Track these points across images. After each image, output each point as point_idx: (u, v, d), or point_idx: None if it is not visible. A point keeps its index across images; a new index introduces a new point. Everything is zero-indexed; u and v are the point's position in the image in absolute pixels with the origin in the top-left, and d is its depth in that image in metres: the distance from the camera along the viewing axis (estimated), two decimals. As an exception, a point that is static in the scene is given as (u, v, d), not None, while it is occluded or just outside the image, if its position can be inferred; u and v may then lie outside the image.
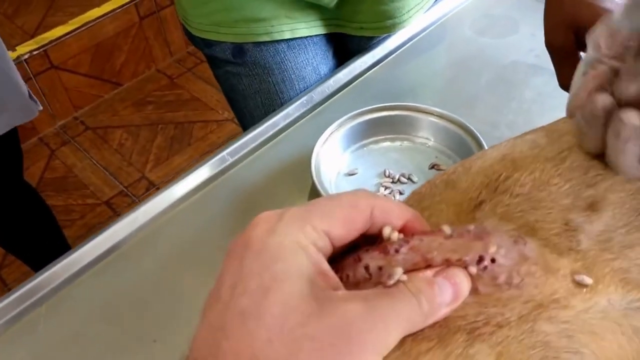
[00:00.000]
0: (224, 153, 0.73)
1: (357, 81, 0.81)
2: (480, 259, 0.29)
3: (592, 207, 0.39)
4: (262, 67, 0.81)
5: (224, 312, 0.27)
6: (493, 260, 0.29)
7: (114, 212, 1.89)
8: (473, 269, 0.29)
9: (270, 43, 0.80)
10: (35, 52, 2.04)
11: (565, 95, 0.59)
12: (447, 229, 0.30)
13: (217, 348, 0.26)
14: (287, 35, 0.80)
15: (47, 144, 2.12)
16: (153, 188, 1.94)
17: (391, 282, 0.28)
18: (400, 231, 0.31)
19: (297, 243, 0.28)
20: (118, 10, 2.18)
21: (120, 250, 0.65)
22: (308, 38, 0.82)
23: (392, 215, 0.31)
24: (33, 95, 1.09)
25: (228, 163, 0.72)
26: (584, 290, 0.32)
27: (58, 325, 0.59)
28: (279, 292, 0.26)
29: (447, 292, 0.28)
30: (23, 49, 2.04)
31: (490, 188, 0.39)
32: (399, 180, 0.67)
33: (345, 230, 0.30)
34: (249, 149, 0.74)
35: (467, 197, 0.39)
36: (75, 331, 0.59)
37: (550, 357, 0.29)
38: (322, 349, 0.25)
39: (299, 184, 0.69)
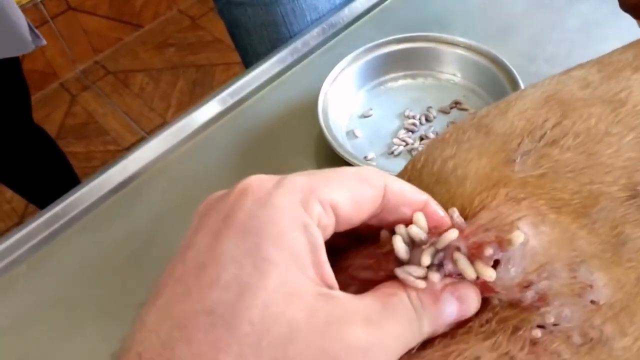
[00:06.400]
0: (224, 94, 0.65)
1: (375, 10, 0.71)
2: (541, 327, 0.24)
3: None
4: (269, -5, 0.72)
5: (186, 302, 0.21)
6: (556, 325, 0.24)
7: (135, 158, 1.84)
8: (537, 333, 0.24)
9: (279, -33, 0.71)
10: (51, -7, 1.96)
11: (616, 25, 0.50)
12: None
13: (172, 351, 0.21)
14: (299, -42, 0.71)
15: (68, 90, 2.07)
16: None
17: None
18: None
19: (297, 220, 0.22)
20: (136, -53, 2.09)
21: (108, 202, 0.59)
22: (322, -39, 0.73)
23: (406, 197, 0.25)
24: (35, 29, 1.01)
25: (229, 105, 0.65)
26: None
27: (39, 287, 0.54)
28: (260, 290, 0.21)
29: (452, 310, 0.24)
30: (39, -10, 1.97)
31: (535, 136, 0.31)
32: (420, 122, 0.59)
33: (354, 208, 0.23)
34: (252, 88, 0.65)
35: (504, 146, 0.31)
36: (58, 292, 0.53)
37: None
38: None
39: (308, 128, 0.61)
